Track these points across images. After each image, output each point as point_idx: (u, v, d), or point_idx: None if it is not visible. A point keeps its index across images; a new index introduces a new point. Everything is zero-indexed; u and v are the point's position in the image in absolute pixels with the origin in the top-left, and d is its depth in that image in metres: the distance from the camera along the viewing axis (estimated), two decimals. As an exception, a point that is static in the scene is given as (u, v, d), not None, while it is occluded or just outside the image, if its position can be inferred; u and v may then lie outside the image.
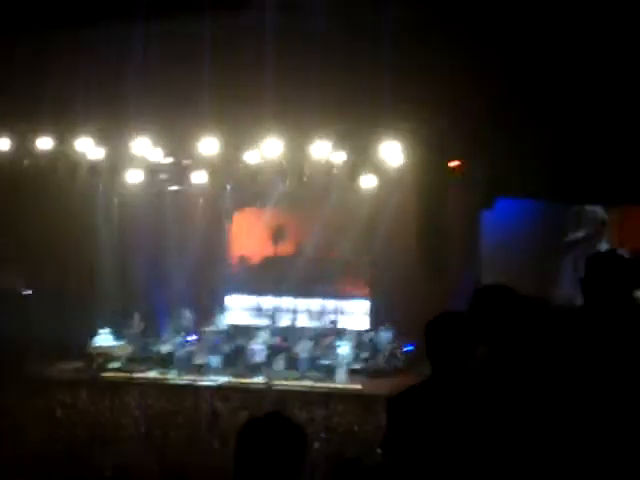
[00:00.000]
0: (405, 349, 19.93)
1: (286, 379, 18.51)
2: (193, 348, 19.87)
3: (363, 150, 17.42)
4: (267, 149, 17.50)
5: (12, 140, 18.17)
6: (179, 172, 19.19)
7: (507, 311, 4.50)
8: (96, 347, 19.83)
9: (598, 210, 18.96)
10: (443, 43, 14.51)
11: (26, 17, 14.70)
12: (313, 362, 19.58)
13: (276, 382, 17.57)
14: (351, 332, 21.09)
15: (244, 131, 17.27)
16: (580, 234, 18.99)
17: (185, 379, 18.98)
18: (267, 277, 22.17)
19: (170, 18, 15.19)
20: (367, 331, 21.29)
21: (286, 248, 22.07)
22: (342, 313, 21.83)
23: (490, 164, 17.02)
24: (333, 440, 13.71)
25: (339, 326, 21.43)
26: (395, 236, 20.12)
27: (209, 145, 17.58)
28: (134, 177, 19.53)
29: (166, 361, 19.67)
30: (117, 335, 20.47)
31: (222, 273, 22.00)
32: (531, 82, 14.76)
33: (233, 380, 18.74)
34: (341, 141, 17.28)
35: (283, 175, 18.43)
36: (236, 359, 20.56)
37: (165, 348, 19.89)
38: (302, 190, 19.22)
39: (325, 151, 17.35)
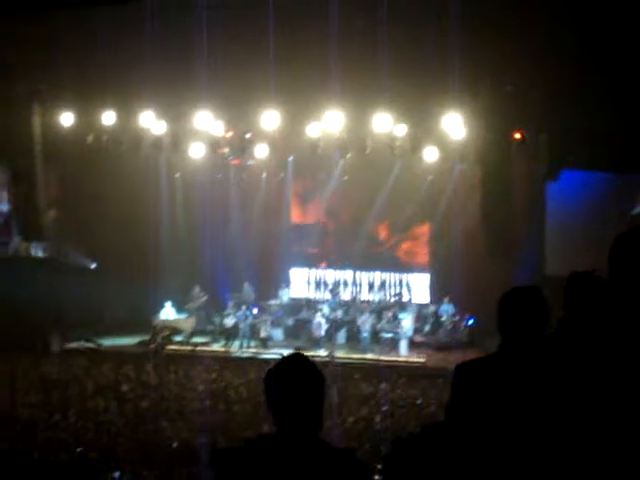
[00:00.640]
0: (467, 323, 19.88)
1: (348, 352, 18.70)
2: (256, 321, 20.13)
3: (425, 122, 17.24)
4: (328, 122, 17.43)
5: (76, 116, 18.37)
6: (241, 146, 19.18)
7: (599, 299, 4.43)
8: (160, 321, 20.15)
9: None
10: (509, 14, 14.21)
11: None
12: (375, 335, 19.79)
13: (338, 355, 17.55)
14: (412, 305, 21.09)
15: (305, 104, 17.21)
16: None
17: (248, 352, 19.21)
18: (328, 249, 22.19)
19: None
20: (428, 305, 21.34)
21: (345, 219, 22.00)
22: (403, 286, 21.75)
23: (555, 135, 16.71)
24: (395, 414, 13.65)
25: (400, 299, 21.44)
26: (456, 209, 19.97)
27: (271, 118, 17.59)
28: (196, 151, 19.62)
29: (229, 334, 20.02)
30: (181, 308, 20.79)
31: (285, 246, 22.03)
32: (597, 54, 14.39)
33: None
34: (403, 113, 17.12)
35: (344, 148, 18.34)
36: (298, 332, 20.81)
37: (228, 321, 20.11)
38: (364, 163, 19.14)
39: (387, 124, 17.20)
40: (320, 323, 19.52)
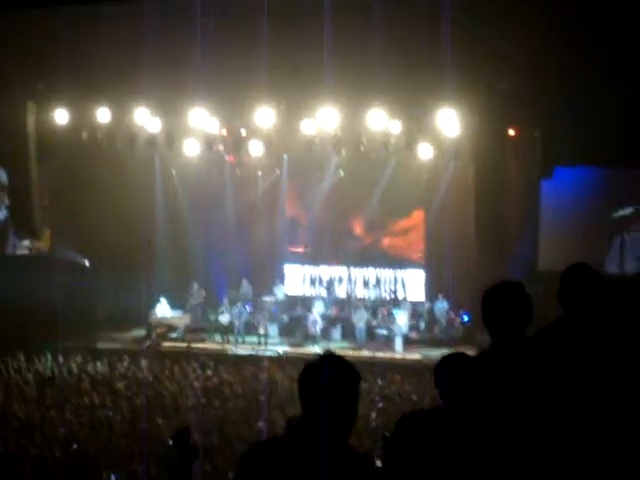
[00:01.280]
0: (462, 319, 19.90)
1: (343, 349, 18.72)
2: (251, 318, 20.14)
3: (420, 119, 17.24)
4: (323, 119, 17.42)
5: (70, 113, 18.32)
6: (236, 143, 19.15)
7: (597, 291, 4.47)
8: (155, 317, 20.14)
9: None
10: (502, 11, 14.24)
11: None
12: (370, 332, 19.82)
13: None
14: (407, 302, 21.09)
15: (300, 101, 17.20)
16: (629, 211, 18.60)
17: (243, 348, 19.24)
18: (323, 246, 22.15)
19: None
20: (422, 301, 21.34)
21: (339, 216, 21.95)
22: (397, 283, 21.76)
23: (549, 132, 16.72)
24: (390, 410, 13.67)
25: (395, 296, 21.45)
26: (450, 206, 19.96)
27: (265, 115, 17.57)
28: (191, 148, 19.59)
29: (225, 331, 20.05)
30: (176, 305, 20.79)
31: (280, 244, 22.01)
32: (591, 52, 14.43)
33: (290, 350, 19.11)
34: (397, 110, 17.11)
35: (338, 145, 18.32)
36: (293, 329, 20.85)
37: (223, 318, 20.12)
38: (358, 159, 19.14)
39: (381, 121, 17.20)
40: (315, 320, 19.54)
